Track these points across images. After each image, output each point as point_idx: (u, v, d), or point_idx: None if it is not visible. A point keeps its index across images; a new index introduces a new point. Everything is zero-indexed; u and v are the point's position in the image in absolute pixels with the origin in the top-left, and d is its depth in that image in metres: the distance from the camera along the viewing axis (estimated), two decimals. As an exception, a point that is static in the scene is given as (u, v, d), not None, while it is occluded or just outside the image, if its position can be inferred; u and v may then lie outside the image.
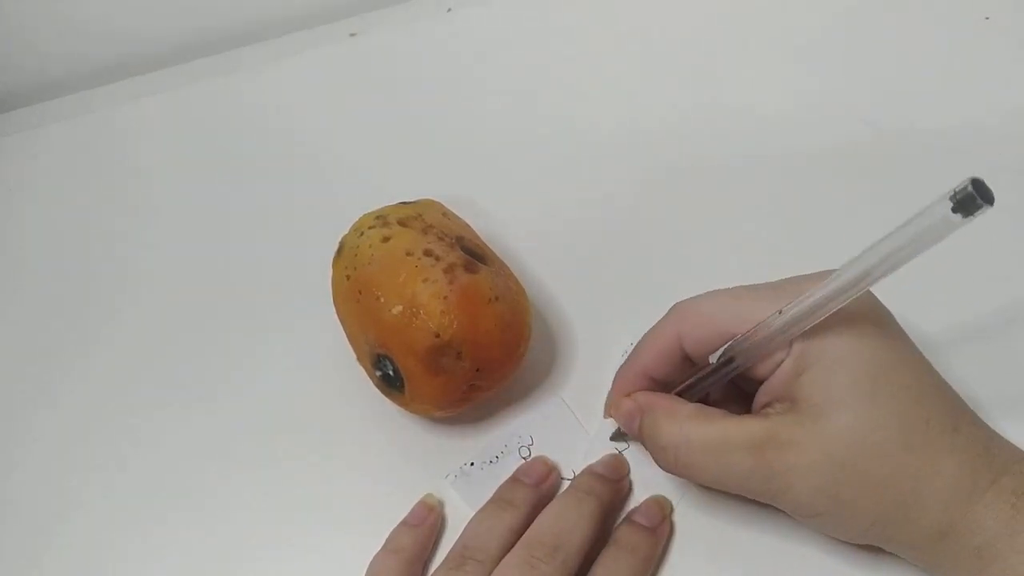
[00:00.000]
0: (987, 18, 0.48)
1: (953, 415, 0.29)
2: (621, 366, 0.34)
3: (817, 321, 0.28)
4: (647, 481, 0.35)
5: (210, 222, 0.47)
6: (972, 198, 0.23)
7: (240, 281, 0.45)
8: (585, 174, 0.46)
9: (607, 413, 0.35)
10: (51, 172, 0.52)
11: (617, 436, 0.36)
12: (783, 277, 0.31)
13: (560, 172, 0.46)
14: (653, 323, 0.37)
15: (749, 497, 0.31)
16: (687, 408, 0.31)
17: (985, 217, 0.23)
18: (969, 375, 0.33)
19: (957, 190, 0.23)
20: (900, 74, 0.46)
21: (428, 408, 0.36)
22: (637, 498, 0.35)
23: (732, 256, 0.41)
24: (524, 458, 0.36)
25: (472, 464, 0.36)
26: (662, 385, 0.33)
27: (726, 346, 0.30)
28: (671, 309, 0.33)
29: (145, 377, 0.42)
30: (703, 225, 0.43)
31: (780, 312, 0.28)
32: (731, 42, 0.50)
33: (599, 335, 0.40)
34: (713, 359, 0.31)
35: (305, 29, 0.56)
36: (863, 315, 0.29)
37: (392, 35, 0.54)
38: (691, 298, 0.32)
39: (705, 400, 0.33)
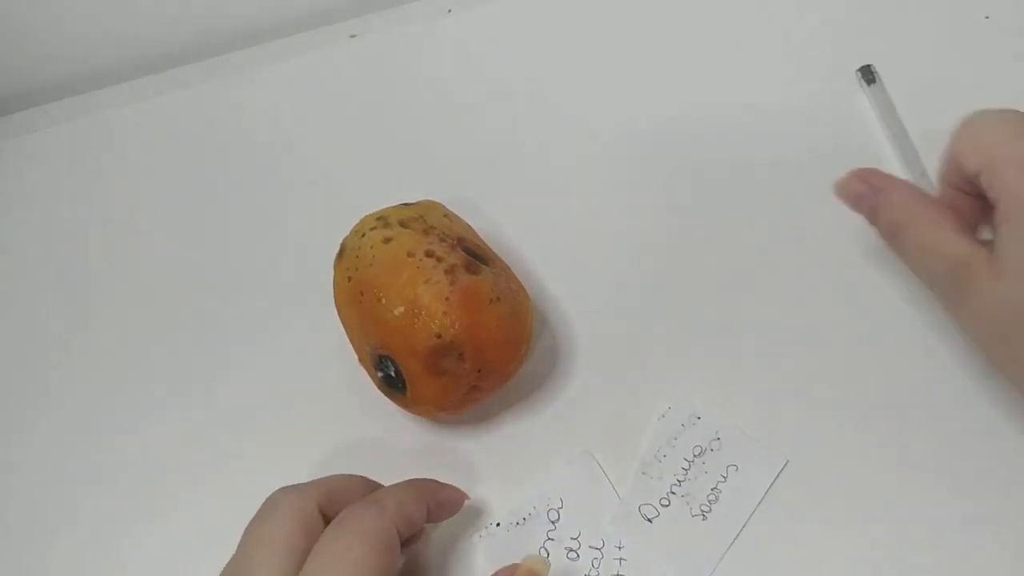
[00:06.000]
0: (987, 17, 0.48)
1: None
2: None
3: None
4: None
5: (210, 224, 0.47)
6: None
7: (241, 283, 0.45)
8: (587, 175, 0.46)
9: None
10: (49, 175, 0.52)
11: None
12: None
13: (561, 173, 0.46)
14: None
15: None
16: (923, 203, 0.34)
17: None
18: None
19: None
20: (900, 73, 0.46)
21: (430, 409, 0.36)
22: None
23: (736, 254, 0.41)
24: (552, 521, 0.35)
25: (498, 524, 0.35)
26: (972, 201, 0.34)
27: None
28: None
29: (146, 380, 0.42)
30: (706, 225, 0.42)
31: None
32: (733, 43, 0.49)
33: (601, 335, 0.40)
34: None
35: (305, 31, 0.56)
36: None
37: (392, 36, 0.54)
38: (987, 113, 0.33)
39: None
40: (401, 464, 0.37)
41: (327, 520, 0.30)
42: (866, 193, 0.35)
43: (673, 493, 0.35)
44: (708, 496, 0.35)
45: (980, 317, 0.31)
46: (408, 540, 0.32)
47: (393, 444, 0.38)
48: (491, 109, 0.49)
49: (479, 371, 0.34)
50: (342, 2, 0.56)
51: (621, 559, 0.34)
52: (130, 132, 0.53)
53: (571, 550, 0.35)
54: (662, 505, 0.35)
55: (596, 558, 0.34)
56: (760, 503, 0.34)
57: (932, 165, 0.42)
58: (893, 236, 0.34)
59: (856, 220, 0.35)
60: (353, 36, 0.54)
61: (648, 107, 0.48)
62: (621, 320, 0.40)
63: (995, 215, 0.31)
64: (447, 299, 0.33)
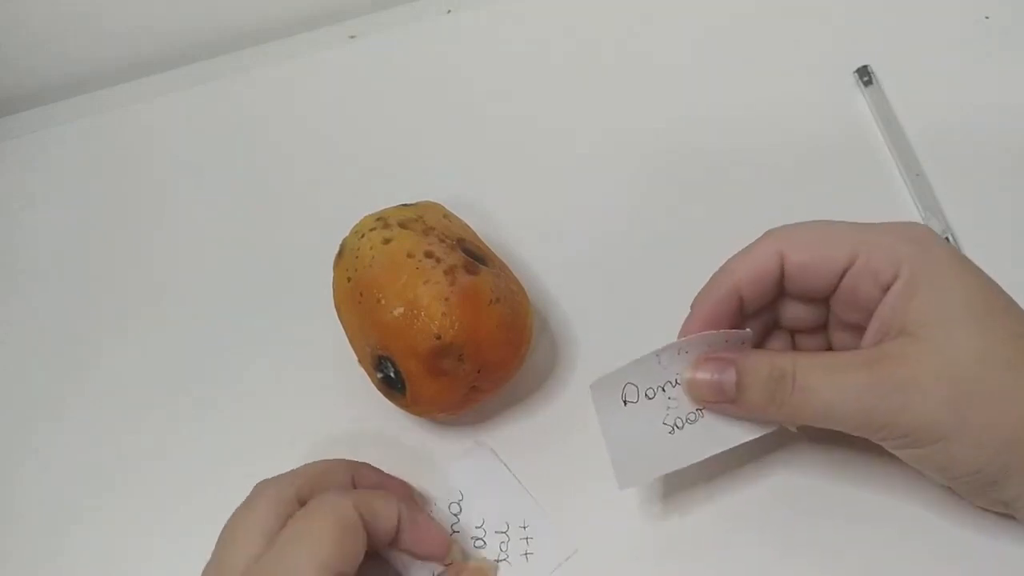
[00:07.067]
0: (987, 17, 0.48)
1: None
2: (703, 288, 0.32)
3: None
4: None
5: (210, 224, 0.47)
6: None
7: (241, 283, 0.45)
8: (586, 176, 0.46)
9: (683, 332, 0.32)
10: (50, 175, 0.52)
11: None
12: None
13: (561, 174, 0.46)
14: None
15: (861, 432, 0.29)
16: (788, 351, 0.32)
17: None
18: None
19: None
20: (898, 74, 0.46)
21: (430, 410, 0.36)
22: None
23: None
24: (455, 514, 0.36)
25: None
26: (740, 323, 0.32)
27: None
28: (768, 231, 0.32)
29: (146, 381, 0.42)
30: (705, 226, 0.43)
31: None
32: (732, 44, 0.49)
33: (600, 335, 0.40)
34: None
35: (305, 31, 0.56)
36: (957, 254, 0.30)
37: (392, 37, 0.54)
38: (792, 223, 0.32)
39: None
40: (401, 465, 0.37)
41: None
42: (724, 363, 0.31)
43: (663, 391, 0.32)
44: (689, 415, 0.32)
45: (931, 395, 0.27)
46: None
47: (393, 445, 0.38)
48: (491, 109, 0.49)
49: (479, 371, 0.34)
50: (342, 2, 0.56)
51: (528, 538, 0.35)
52: (131, 133, 0.53)
53: (477, 539, 0.35)
54: (646, 396, 0.32)
55: (503, 541, 0.35)
56: (729, 449, 0.33)
57: (929, 166, 0.42)
58: (787, 388, 0.29)
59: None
60: (353, 36, 0.54)
61: (647, 108, 0.48)
62: (620, 320, 0.40)
63: (890, 297, 0.29)
64: (447, 300, 0.33)
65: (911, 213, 0.41)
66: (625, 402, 0.32)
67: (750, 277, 0.31)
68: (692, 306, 0.33)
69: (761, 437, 0.32)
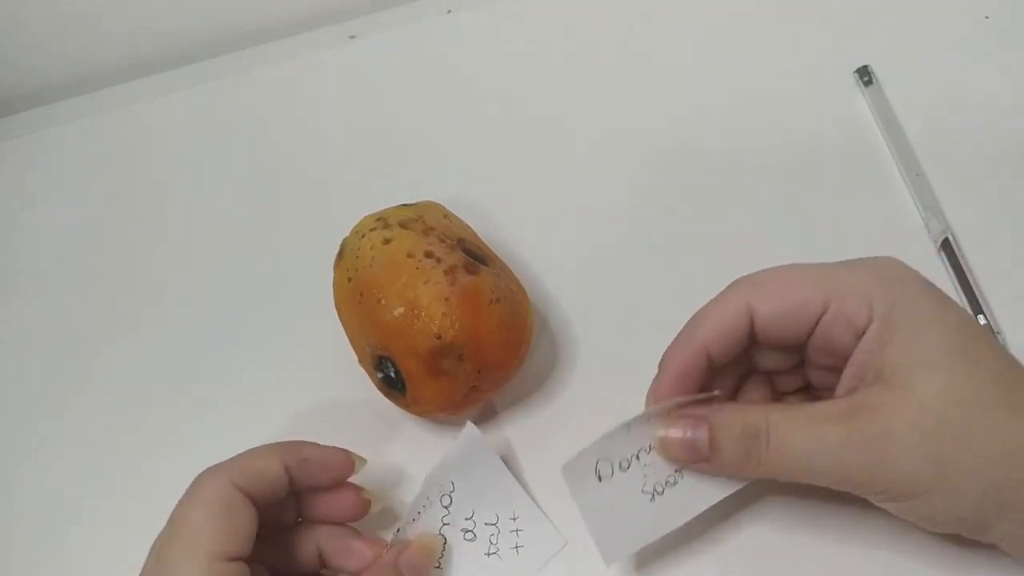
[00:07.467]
0: (987, 17, 0.48)
1: None
2: (672, 343, 0.31)
3: None
4: None
5: (210, 224, 0.48)
6: None
7: (241, 283, 0.45)
8: (586, 176, 0.46)
9: (650, 400, 0.31)
10: (49, 175, 0.52)
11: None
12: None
13: (561, 174, 0.46)
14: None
15: (840, 487, 0.28)
16: (762, 403, 0.31)
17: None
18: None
19: None
20: (898, 74, 0.46)
21: (430, 410, 0.36)
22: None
23: (735, 255, 0.41)
24: (446, 506, 0.34)
25: (399, 531, 0.34)
26: (710, 377, 0.31)
27: None
28: (736, 281, 0.31)
29: (147, 381, 0.42)
30: (705, 226, 0.43)
31: None
32: (732, 44, 0.49)
33: (600, 335, 0.40)
34: None
35: (305, 31, 0.56)
36: (932, 290, 0.29)
37: (392, 37, 0.54)
38: (759, 271, 0.31)
39: None
40: (401, 464, 0.37)
41: (247, 494, 0.30)
42: (698, 419, 0.30)
43: (637, 459, 0.31)
44: (668, 478, 0.31)
45: (910, 446, 0.26)
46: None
47: (393, 444, 0.38)
48: (491, 109, 0.49)
49: (479, 372, 0.34)
50: (342, 2, 0.56)
51: (518, 531, 0.35)
52: (131, 133, 0.53)
53: (467, 531, 0.35)
54: (620, 468, 0.31)
55: (493, 534, 0.35)
56: (714, 505, 0.32)
57: (929, 166, 0.42)
58: (762, 446, 0.28)
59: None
60: (353, 36, 0.54)
61: (647, 108, 0.48)
62: (620, 320, 0.40)
63: (865, 342, 0.28)
64: (447, 300, 0.33)
65: (911, 213, 0.41)
66: (600, 478, 0.31)
67: (718, 333, 0.30)
68: (660, 365, 0.32)
69: (743, 488, 0.31)
